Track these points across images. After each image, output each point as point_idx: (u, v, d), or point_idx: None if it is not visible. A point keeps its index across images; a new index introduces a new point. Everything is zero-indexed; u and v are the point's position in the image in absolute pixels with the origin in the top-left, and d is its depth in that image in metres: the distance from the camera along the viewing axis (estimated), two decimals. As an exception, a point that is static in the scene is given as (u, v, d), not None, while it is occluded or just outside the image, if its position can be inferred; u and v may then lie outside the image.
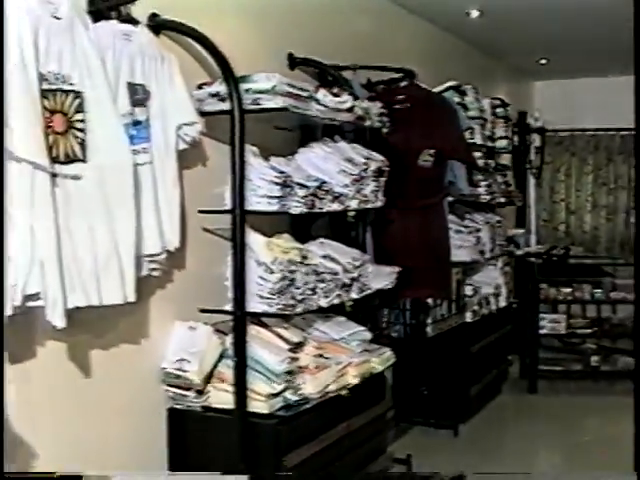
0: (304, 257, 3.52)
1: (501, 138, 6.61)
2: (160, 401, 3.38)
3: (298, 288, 3.44)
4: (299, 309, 3.47)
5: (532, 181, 8.81)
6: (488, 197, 6.17)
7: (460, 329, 5.68)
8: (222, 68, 3.26)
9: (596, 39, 6.93)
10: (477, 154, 5.87)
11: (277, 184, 3.40)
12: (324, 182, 3.67)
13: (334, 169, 3.82)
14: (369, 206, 4.03)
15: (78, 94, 2.68)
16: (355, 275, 3.84)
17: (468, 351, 5.77)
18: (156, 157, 3.06)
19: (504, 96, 7.16)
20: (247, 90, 3.36)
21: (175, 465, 3.41)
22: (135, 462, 3.22)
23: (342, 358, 3.72)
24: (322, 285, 3.59)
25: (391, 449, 4.53)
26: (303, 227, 4.02)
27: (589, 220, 9.54)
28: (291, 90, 3.46)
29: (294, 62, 4.25)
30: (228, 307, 3.33)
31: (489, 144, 6.34)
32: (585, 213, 9.56)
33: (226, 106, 3.28)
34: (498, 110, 6.55)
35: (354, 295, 3.84)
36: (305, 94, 3.57)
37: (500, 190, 6.57)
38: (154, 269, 3.10)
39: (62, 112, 2.62)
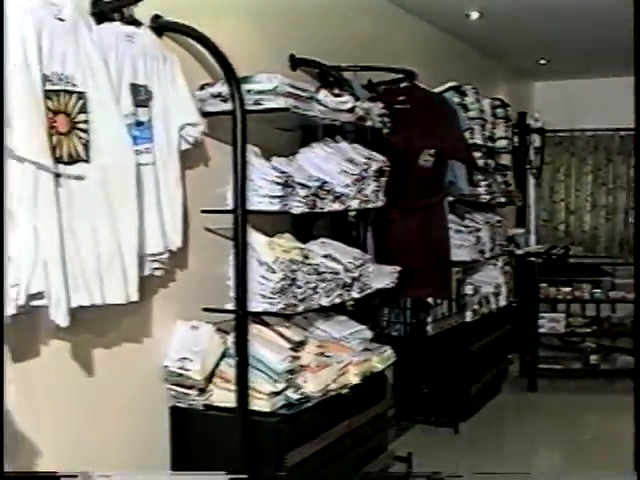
0: (305, 257, 3.52)
1: (501, 138, 6.60)
2: (162, 400, 3.38)
3: (299, 287, 3.44)
4: (300, 308, 3.47)
5: (532, 181, 8.82)
6: (488, 197, 6.17)
7: (460, 328, 5.68)
8: (224, 69, 3.27)
9: (595, 40, 6.93)
10: (477, 154, 5.87)
11: (278, 184, 3.40)
12: (325, 182, 3.67)
13: (335, 169, 3.82)
14: (370, 206, 4.03)
15: (81, 95, 2.68)
16: (356, 274, 3.84)
17: (468, 350, 5.77)
18: (159, 157, 3.07)
19: (504, 97, 7.15)
20: (249, 91, 3.36)
21: (178, 463, 3.42)
22: (138, 460, 3.23)
23: (343, 357, 3.73)
24: (323, 284, 3.59)
25: (392, 447, 4.54)
26: (304, 227, 4.02)
27: (588, 220, 9.54)
28: (292, 91, 3.46)
29: (295, 63, 4.25)
30: (230, 306, 3.34)
31: (489, 144, 6.33)
32: (585, 213, 9.56)
33: (228, 106, 3.28)
34: (498, 110, 6.54)
35: (355, 294, 3.85)
36: (306, 95, 3.58)
37: (500, 190, 6.57)
38: (157, 269, 3.11)
39: (65, 113, 2.62)
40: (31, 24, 2.48)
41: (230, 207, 3.29)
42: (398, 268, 4.23)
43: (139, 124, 2.98)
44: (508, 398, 6.58)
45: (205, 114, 3.36)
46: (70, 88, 2.64)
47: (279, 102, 3.40)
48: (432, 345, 5.47)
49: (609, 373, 6.96)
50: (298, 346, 3.49)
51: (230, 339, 3.39)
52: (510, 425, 6.11)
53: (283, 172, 3.45)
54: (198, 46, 3.35)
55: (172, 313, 3.41)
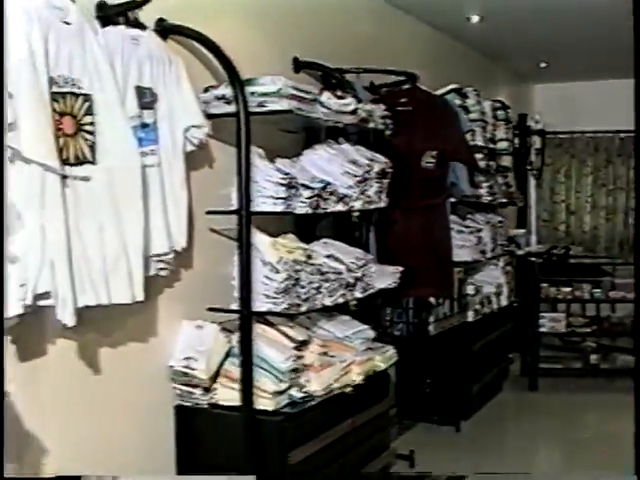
0: (309, 257, 3.52)
1: (502, 140, 6.60)
2: (168, 398, 3.38)
3: (303, 287, 3.44)
4: (304, 308, 3.47)
5: (533, 182, 8.82)
6: (489, 198, 6.17)
7: (462, 328, 5.68)
8: (228, 71, 3.27)
9: (595, 43, 6.92)
10: (478, 156, 5.86)
11: (282, 185, 3.41)
12: (328, 183, 3.67)
13: (338, 170, 3.83)
14: (372, 207, 4.03)
15: (87, 97, 2.68)
16: (359, 274, 3.84)
17: (470, 349, 5.77)
18: (164, 159, 3.07)
19: (505, 99, 7.15)
20: (253, 93, 3.36)
21: (182, 461, 3.42)
22: (143, 458, 3.23)
23: (346, 356, 3.72)
24: (326, 284, 3.59)
25: (394, 445, 4.54)
26: (308, 227, 4.02)
27: (589, 220, 9.53)
28: (296, 93, 3.46)
29: (299, 65, 4.25)
30: (234, 306, 3.34)
31: (490, 146, 6.33)
32: (585, 214, 9.55)
33: (232, 109, 3.28)
34: (499, 112, 6.54)
35: (358, 294, 3.85)
36: (309, 97, 3.58)
37: (501, 191, 6.57)
38: (162, 269, 3.11)
39: (72, 115, 2.63)
40: (38, 28, 2.48)
41: (234, 208, 3.29)
42: (400, 268, 4.23)
43: (144, 126, 2.98)
44: (509, 397, 6.57)
45: (209, 116, 3.36)
46: (76, 90, 2.65)
47: (283, 104, 3.40)
48: (434, 344, 5.47)
49: (609, 372, 6.95)
50: (302, 345, 3.49)
51: (235, 338, 3.39)
52: (511, 424, 6.11)
53: (287, 173, 3.45)
54: (202, 49, 3.35)
55: (177, 313, 3.41)
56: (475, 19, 6.14)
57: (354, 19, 4.98)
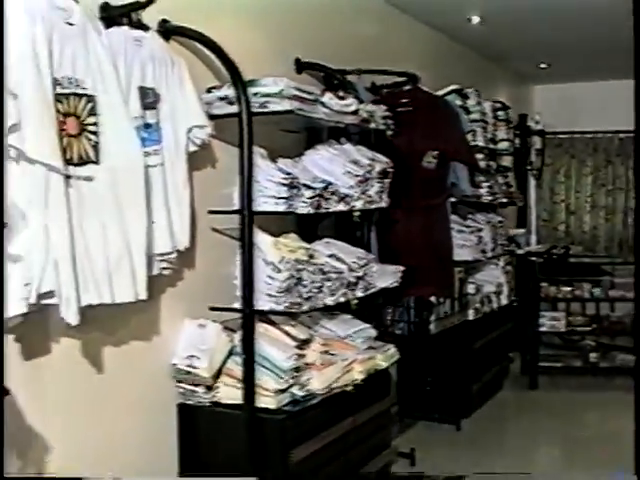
0: (310, 256, 3.52)
1: (502, 140, 6.60)
2: (170, 397, 3.38)
3: (305, 286, 3.44)
4: (306, 307, 3.47)
5: (533, 182, 8.81)
6: (490, 198, 6.17)
7: (463, 326, 5.67)
8: (230, 72, 3.26)
9: (595, 44, 6.91)
10: (479, 156, 5.86)
11: (284, 185, 3.40)
12: (330, 183, 3.67)
13: (340, 170, 3.82)
14: (374, 206, 4.02)
15: (91, 98, 2.68)
16: (360, 274, 3.84)
17: (470, 348, 5.77)
18: (167, 159, 3.07)
19: (505, 99, 7.14)
20: (255, 94, 3.36)
21: (185, 459, 3.42)
22: (146, 456, 3.23)
23: (348, 355, 3.72)
24: (328, 284, 3.59)
25: (395, 443, 4.53)
26: (309, 227, 4.02)
27: (588, 220, 9.52)
28: (298, 93, 3.46)
29: (301, 66, 4.25)
30: (237, 305, 3.34)
31: (491, 146, 6.33)
32: (584, 213, 9.54)
33: (234, 109, 3.28)
34: (499, 113, 6.53)
35: (359, 293, 3.84)
36: (311, 97, 3.57)
37: (501, 191, 6.56)
38: (165, 268, 3.11)
39: (75, 115, 2.63)
40: (41, 29, 2.48)
41: (237, 208, 3.29)
42: (401, 267, 4.23)
43: (147, 126, 2.98)
44: (509, 395, 6.57)
45: (212, 117, 3.36)
46: (80, 91, 2.65)
47: (285, 105, 3.40)
48: (435, 343, 5.47)
49: (608, 371, 6.95)
50: (303, 344, 3.49)
51: (237, 337, 3.38)
52: (511, 422, 6.10)
53: (289, 173, 3.45)
54: (205, 50, 3.34)
55: (180, 312, 3.41)
56: (476, 20, 6.14)
57: (356, 20, 4.98)
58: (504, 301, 6.38)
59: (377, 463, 4.04)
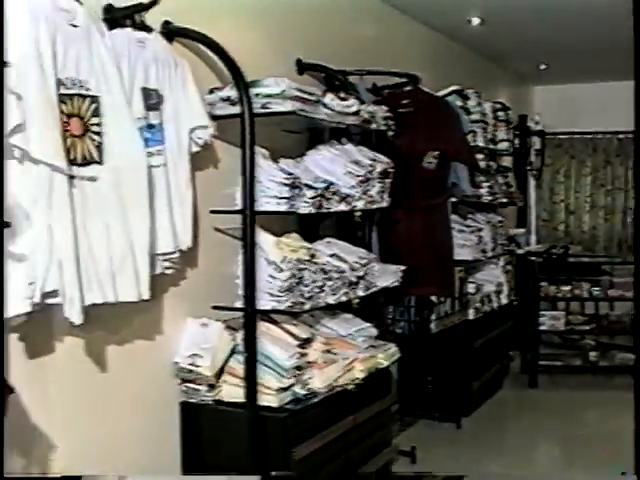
0: (312, 256, 3.52)
1: (502, 141, 6.59)
2: (173, 395, 3.38)
3: (306, 286, 3.44)
4: (307, 306, 3.47)
5: (532, 182, 8.80)
6: (490, 198, 6.16)
7: (463, 326, 5.67)
8: (233, 73, 3.26)
9: (594, 46, 6.91)
10: (479, 156, 5.85)
11: (286, 185, 3.40)
12: (331, 183, 3.67)
13: (341, 171, 3.82)
14: (375, 206, 4.02)
15: (94, 99, 2.68)
16: (361, 273, 3.84)
17: (471, 347, 5.77)
18: (169, 159, 3.07)
19: (505, 100, 7.14)
20: (257, 94, 3.36)
21: (188, 457, 3.42)
22: (149, 454, 3.23)
23: (349, 353, 3.72)
24: (330, 283, 3.59)
25: (396, 441, 4.53)
26: (311, 227, 4.02)
27: (588, 220, 9.52)
28: (299, 94, 3.45)
29: (302, 67, 4.25)
30: (239, 304, 3.34)
31: (491, 146, 6.32)
32: (584, 213, 9.54)
33: (237, 110, 3.28)
34: (499, 114, 6.53)
35: (360, 293, 3.84)
36: (313, 98, 3.57)
37: (501, 191, 6.56)
38: (168, 267, 3.11)
39: (79, 116, 2.63)
40: (45, 30, 2.49)
41: (239, 208, 3.29)
42: (402, 267, 4.23)
43: (150, 127, 2.98)
44: (509, 394, 6.57)
45: (214, 117, 3.35)
46: (84, 92, 2.65)
47: (286, 105, 3.40)
48: (435, 342, 5.47)
49: (608, 369, 6.95)
50: (305, 343, 3.49)
51: (239, 336, 3.39)
52: (511, 420, 6.10)
53: (290, 174, 3.45)
54: (208, 51, 3.35)
55: (182, 311, 3.41)
56: (476, 21, 6.14)
57: (357, 22, 4.98)
58: (504, 300, 6.38)
59: (378, 461, 4.04)
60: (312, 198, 3.50)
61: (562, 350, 7.38)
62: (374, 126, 4.15)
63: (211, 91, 3.45)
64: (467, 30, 6.37)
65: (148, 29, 3.02)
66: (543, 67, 8.29)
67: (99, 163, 2.70)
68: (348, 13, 4.85)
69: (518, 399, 6.55)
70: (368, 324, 4.05)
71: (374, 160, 4.00)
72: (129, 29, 2.94)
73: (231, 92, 3.36)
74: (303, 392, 3.40)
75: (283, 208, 3.41)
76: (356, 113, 3.93)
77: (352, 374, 3.68)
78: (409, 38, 5.88)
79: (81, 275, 2.57)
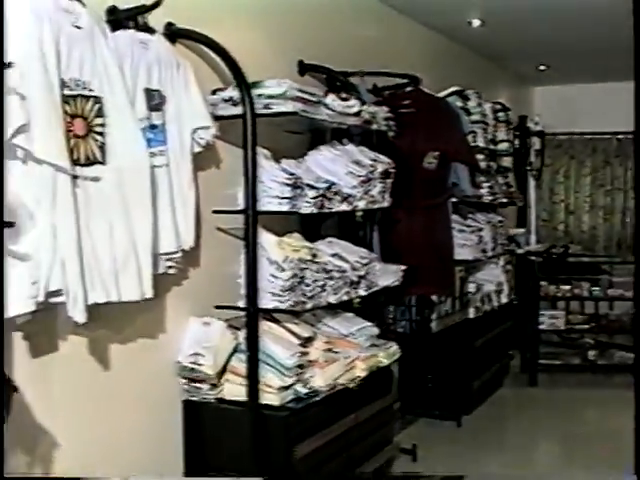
0: (314, 255, 3.52)
1: (502, 141, 6.58)
2: (176, 393, 3.38)
3: (308, 285, 3.44)
4: (309, 305, 3.47)
5: (532, 182, 8.79)
6: (490, 198, 6.16)
7: (463, 325, 5.66)
8: (235, 74, 3.27)
9: (593, 47, 6.90)
10: (479, 156, 5.85)
11: (288, 185, 3.40)
12: (333, 183, 3.67)
13: (342, 171, 3.82)
14: (376, 206, 4.02)
15: (98, 99, 2.68)
16: (363, 273, 3.84)
17: (471, 346, 5.76)
18: (172, 159, 3.07)
19: (505, 101, 7.13)
20: (259, 95, 3.36)
21: (190, 455, 3.42)
22: (152, 452, 3.23)
23: (350, 352, 3.72)
24: (331, 282, 3.59)
25: (397, 440, 4.53)
26: (313, 227, 4.02)
27: (587, 220, 9.51)
28: (301, 95, 3.45)
29: (304, 68, 4.24)
30: (241, 304, 3.34)
31: (491, 147, 6.31)
32: (583, 213, 9.53)
33: (239, 110, 3.28)
34: (499, 114, 6.52)
35: (362, 292, 3.84)
36: (314, 99, 3.57)
37: (501, 191, 6.55)
38: (170, 267, 3.11)
39: (82, 117, 2.63)
40: (49, 31, 2.49)
41: (241, 208, 3.29)
42: (403, 267, 4.23)
43: (153, 127, 2.98)
44: (509, 392, 6.57)
45: (217, 118, 3.35)
46: (87, 93, 2.65)
47: (288, 106, 3.40)
48: (436, 341, 5.46)
49: (607, 368, 6.95)
50: (307, 342, 3.49)
51: (241, 335, 3.39)
52: (511, 419, 6.09)
53: (292, 174, 3.45)
54: (210, 52, 3.35)
55: (185, 310, 3.41)
56: (476, 23, 6.13)
57: (358, 23, 4.98)
58: (504, 300, 6.37)
59: (379, 459, 4.04)
60: (314, 198, 3.50)
61: (562, 349, 7.38)
62: (375, 127, 4.15)
63: (213, 92, 3.45)
64: (467, 31, 6.37)
65: (151, 30, 3.02)
66: (543, 68, 8.28)
67: (102, 163, 2.70)
68: (349, 14, 4.85)
69: (518, 397, 6.54)
70: (369, 323, 4.05)
71: (375, 160, 4.00)
72: (132, 30, 2.94)
73: (233, 93, 3.36)
74: (305, 391, 3.39)
75: (285, 208, 3.41)
76: (357, 114, 3.93)
77: (353, 373, 3.68)
78: (410, 39, 5.87)
79: (84, 274, 2.57)
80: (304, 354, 3.43)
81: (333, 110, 3.73)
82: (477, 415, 5.77)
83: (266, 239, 3.42)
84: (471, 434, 5.40)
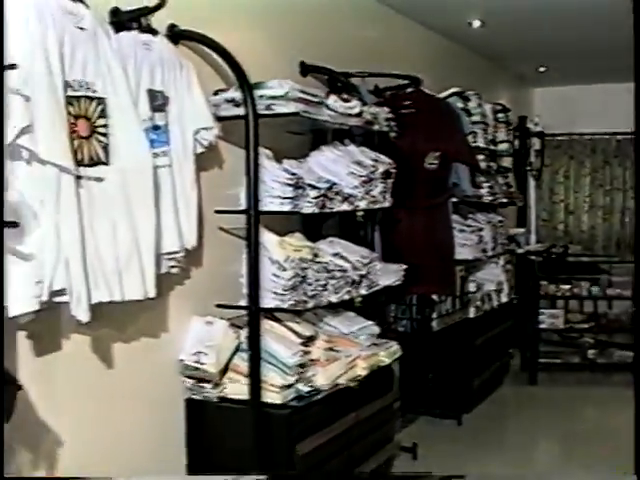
0: (315, 255, 3.52)
1: (502, 142, 6.59)
2: (178, 392, 3.38)
3: (309, 284, 3.44)
4: (310, 304, 3.47)
5: (532, 183, 8.79)
6: (490, 198, 6.16)
7: (464, 324, 5.67)
8: (237, 75, 3.26)
9: (593, 48, 6.90)
10: (480, 157, 5.85)
11: (289, 185, 3.40)
12: (334, 183, 3.67)
13: (344, 171, 3.82)
14: (377, 206, 4.02)
15: (101, 100, 2.68)
16: (364, 272, 3.83)
17: (471, 345, 5.76)
18: (175, 160, 3.07)
19: (505, 102, 7.14)
20: (261, 96, 3.36)
21: (193, 453, 3.42)
22: (155, 449, 3.23)
23: (351, 351, 3.72)
24: (332, 282, 3.59)
25: (398, 438, 4.52)
26: (314, 226, 4.02)
27: (586, 220, 9.51)
28: (303, 96, 3.45)
29: (306, 69, 4.24)
30: (243, 303, 3.34)
31: (491, 147, 6.32)
32: (583, 213, 9.52)
33: (241, 111, 3.28)
34: (499, 115, 6.53)
35: (363, 291, 3.84)
36: (316, 100, 3.57)
37: (502, 191, 6.55)
38: (173, 266, 3.10)
39: (86, 117, 2.63)
40: (53, 32, 2.48)
41: (243, 207, 3.29)
42: (404, 266, 4.23)
43: (156, 128, 2.98)
44: (509, 391, 6.57)
45: (219, 118, 3.34)
46: (90, 94, 2.65)
47: (290, 107, 3.39)
48: (437, 340, 5.47)
49: (606, 367, 6.95)
50: (308, 341, 3.49)
51: (243, 334, 3.38)
52: (511, 417, 6.09)
53: (294, 174, 3.45)
54: (212, 54, 3.34)
55: (187, 309, 3.41)
56: (477, 24, 6.13)
57: (359, 24, 4.98)
58: (504, 299, 6.37)
59: (380, 457, 4.04)
60: (315, 198, 3.50)
61: (561, 348, 7.38)
62: (376, 127, 4.15)
63: (216, 93, 3.45)
64: (467, 32, 6.37)
65: (154, 32, 3.02)
66: (543, 69, 8.28)
67: (105, 164, 2.69)
68: (350, 16, 4.85)
69: (518, 396, 6.55)
70: (370, 322, 4.05)
71: (376, 161, 4.00)
72: (135, 32, 2.94)
73: (235, 94, 3.36)
74: (306, 389, 3.39)
75: (287, 208, 3.41)
76: (359, 114, 3.92)
77: (354, 371, 3.68)
78: (411, 40, 5.87)
79: (88, 274, 2.57)
80: (306, 353, 3.42)
81: (335, 111, 3.73)
82: (477, 413, 5.77)
83: (268, 239, 3.42)
84: (471, 432, 5.40)
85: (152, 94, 2.96)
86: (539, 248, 7.84)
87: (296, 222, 3.82)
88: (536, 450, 5.33)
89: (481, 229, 5.78)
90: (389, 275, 4.11)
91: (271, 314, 3.46)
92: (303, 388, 3.39)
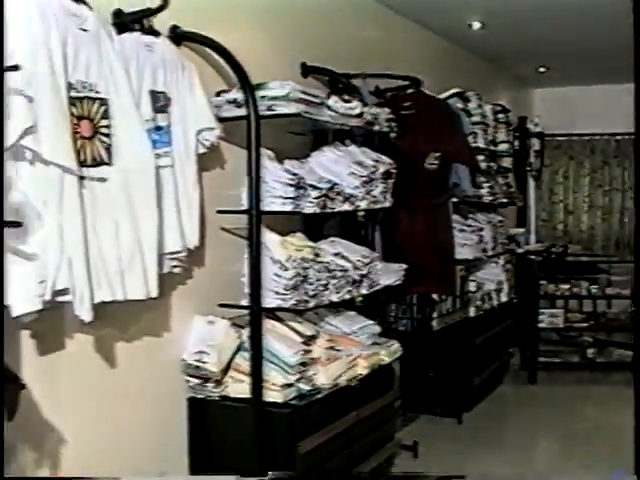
0: (316, 255, 3.51)
1: (502, 142, 6.59)
2: (181, 391, 3.38)
3: (311, 284, 3.44)
4: (312, 304, 3.47)
5: (532, 183, 8.79)
6: (490, 198, 6.16)
7: (464, 323, 5.66)
8: (239, 76, 3.26)
9: (593, 49, 6.90)
10: (480, 157, 5.85)
11: (291, 186, 3.40)
12: (335, 184, 3.67)
13: (345, 171, 3.82)
14: (378, 206, 4.02)
15: (104, 101, 2.68)
16: (365, 272, 3.83)
17: (471, 344, 5.76)
18: (177, 160, 3.07)
19: (505, 102, 7.13)
20: (262, 97, 3.36)
21: (195, 452, 3.42)
22: (157, 448, 3.23)
23: (352, 350, 3.72)
24: (333, 281, 3.59)
25: (398, 436, 4.52)
26: (315, 226, 4.02)
27: (586, 220, 9.51)
28: (304, 97, 3.45)
29: (307, 70, 4.24)
30: (245, 302, 3.33)
31: (491, 148, 6.32)
32: (582, 213, 9.52)
33: (243, 112, 3.28)
34: (499, 116, 6.52)
35: (364, 291, 3.84)
36: (317, 100, 3.57)
37: (501, 191, 6.55)
38: (175, 266, 3.11)
39: (89, 118, 2.63)
40: (56, 34, 2.48)
41: (245, 208, 3.29)
42: (405, 266, 4.23)
43: (158, 129, 2.98)
44: (509, 390, 6.57)
45: (221, 119, 3.35)
46: (93, 95, 2.65)
47: (291, 108, 3.40)
48: (437, 339, 5.46)
49: (605, 366, 6.95)
50: (310, 340, 3.49)
51: (245, 333, 3.38)
52: (511, 416, 6.09)
53: (295, 174, 3.44)
54: (214, 55, 3.35)
55: (190, 309, 3.41)
56: (476, 25, 6.13)
57: (360, 26, 4.98)
58: (504, 298, 6.37)
59: (381, 456, 4.04)
60: (316, 198, 3.50)
61: (561, 347, 7.38)
62: (377, 128, 4.15)
63: (218, 94, 3.45)
64: (467, 33, 6.37)
65: (156, 33, 3.02)
66: (542, 70, 8.28)
67: (108, 164, 2.69)
68: (351, 17, 4.85)
69: (518, 395, 6.54)
70: (371, 322, 4.05)
71: (377, 161, 4.00)
72: (137, 33, 2.94)
73: (237, 94, 3.36)
74: (308, 388, 3.39)
75: (288, 208, 3.41)
76: (359, 115, 3.92)
77: (355, 370, 3.68)
78: (411, 41, 5.87)
79: (91, 273, 2.57)
80: (307, 352, 3.42)
81: (336, 111, 3.73)
82: (477, 412, 5.77)
83: (269, 239, 3.42)
84: (471, 431, 5.40)
85: (154, 95, 2.96)
86: (539, 248, 7.84)
87: (297, 222, 3.82)
88: (536, 449, 5.32)
89: (481, 229, 5.78)
90: (390, 275, 4.11)
91: (273, 313, 3.46)
92: (304, 387, 3.38)
